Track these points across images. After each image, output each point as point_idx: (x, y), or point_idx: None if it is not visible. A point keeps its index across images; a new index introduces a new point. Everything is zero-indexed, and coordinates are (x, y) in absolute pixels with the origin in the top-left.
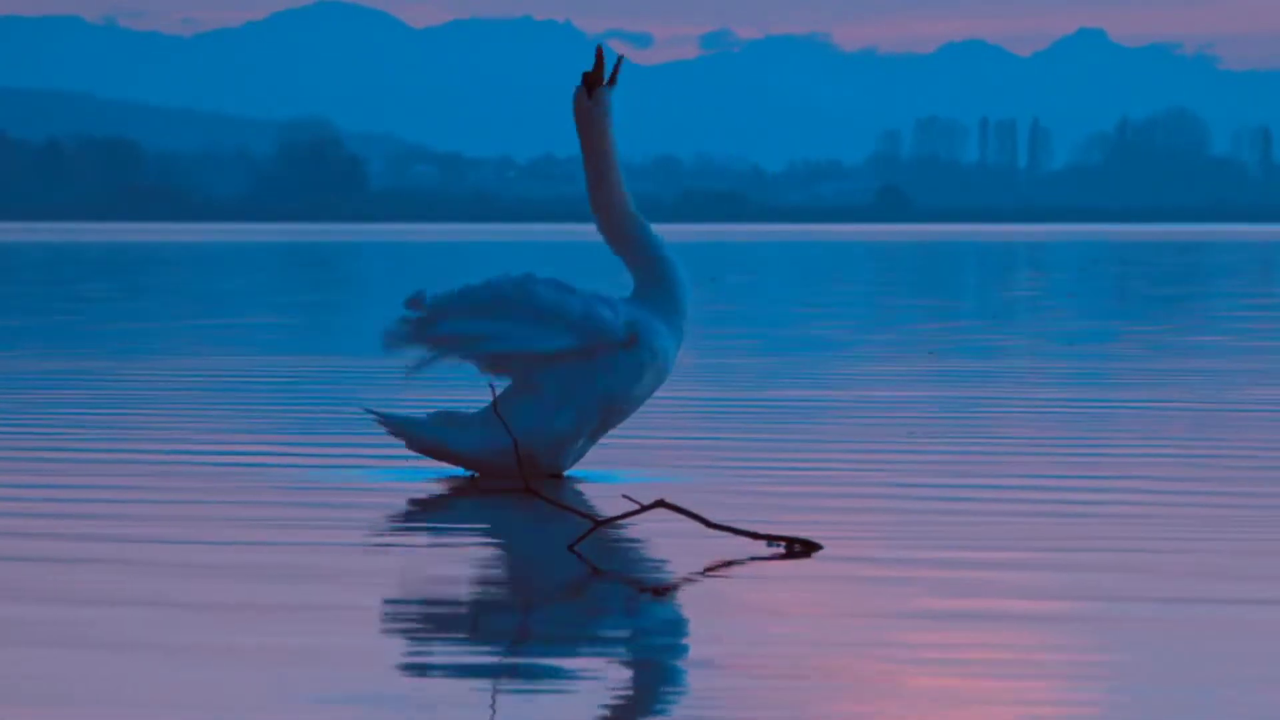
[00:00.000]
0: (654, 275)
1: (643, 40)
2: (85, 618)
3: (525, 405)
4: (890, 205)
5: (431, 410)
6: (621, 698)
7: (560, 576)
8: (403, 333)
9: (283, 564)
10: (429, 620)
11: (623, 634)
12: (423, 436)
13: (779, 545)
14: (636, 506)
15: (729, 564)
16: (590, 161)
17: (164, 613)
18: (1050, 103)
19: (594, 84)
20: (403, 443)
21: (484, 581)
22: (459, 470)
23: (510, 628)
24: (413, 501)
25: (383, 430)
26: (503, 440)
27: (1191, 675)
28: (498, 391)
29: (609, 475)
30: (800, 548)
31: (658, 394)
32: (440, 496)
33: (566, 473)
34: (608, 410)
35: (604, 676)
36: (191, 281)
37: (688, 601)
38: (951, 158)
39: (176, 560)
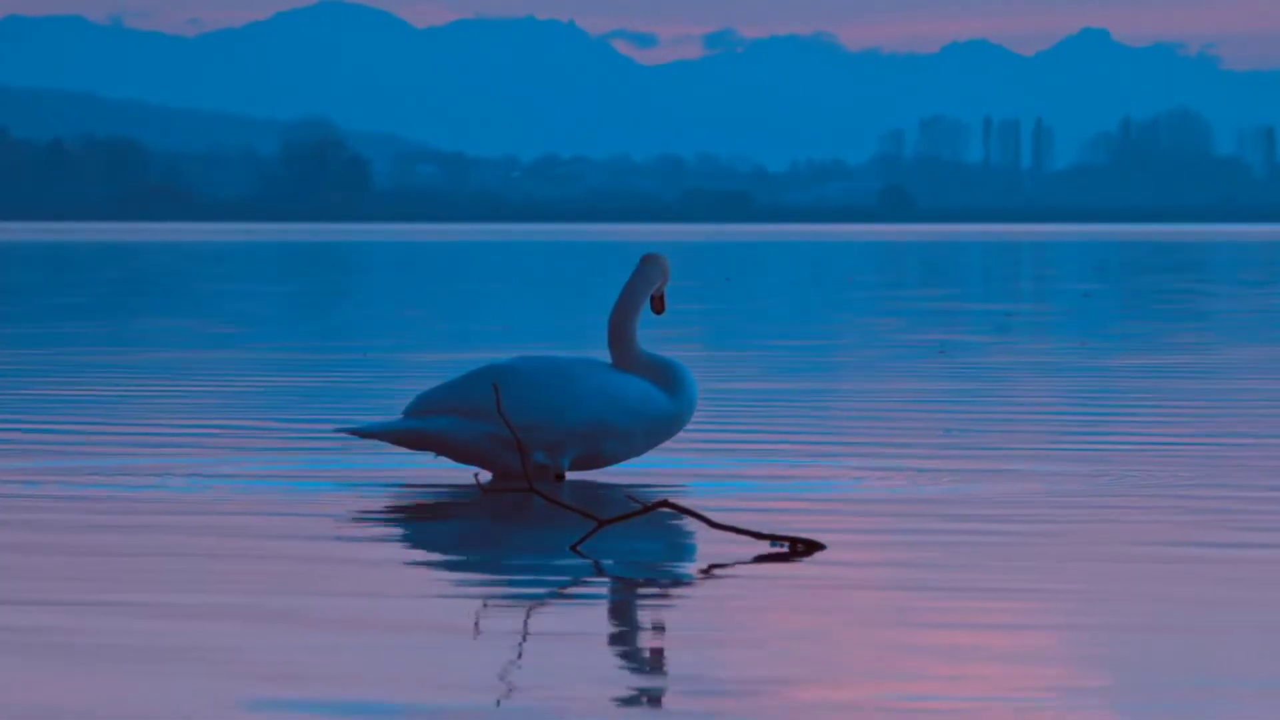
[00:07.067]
0: (662, 370)
1: (647, 40)
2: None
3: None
4: (893, 205)
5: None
6: (623, 698)
7: (563, 576)
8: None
9: (279, 565)
10: (431, 621)
11: (626, 635)
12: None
13: (782, 545)
14: (640, 506)
15: (732, 564)
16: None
17: (161, 611)
18: (1054, 102)
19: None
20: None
21: (486, 582)
22: (463, 469)
23: (513, 628)
24: (415, 501)
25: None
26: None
27: (1194, 698)
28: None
29: (612, 475)
30: (803, 548)
31: None
32: (442, 496)
33: (568, 473)
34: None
35: (606, 676)
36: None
37: (691, 602)
38: (955, 158)
39: (174, 563)
